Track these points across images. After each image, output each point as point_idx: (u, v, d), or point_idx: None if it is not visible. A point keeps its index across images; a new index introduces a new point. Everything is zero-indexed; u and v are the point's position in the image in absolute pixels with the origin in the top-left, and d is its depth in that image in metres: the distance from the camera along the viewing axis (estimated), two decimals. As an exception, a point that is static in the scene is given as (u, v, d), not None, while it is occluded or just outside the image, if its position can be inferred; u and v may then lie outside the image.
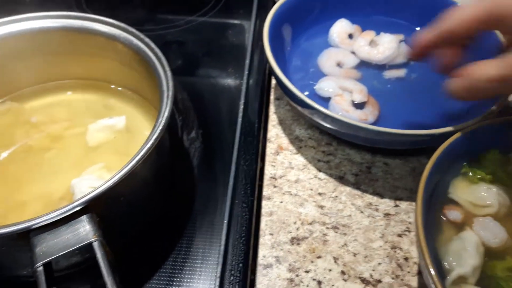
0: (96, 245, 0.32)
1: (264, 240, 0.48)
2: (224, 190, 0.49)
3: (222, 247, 0.44)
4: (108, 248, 0.33)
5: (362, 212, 0.51)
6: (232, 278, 0.42)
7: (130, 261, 0.43)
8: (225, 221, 0.46)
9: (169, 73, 0.43)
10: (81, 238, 0.32)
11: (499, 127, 0.47)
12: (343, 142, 0.57)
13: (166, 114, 0.39)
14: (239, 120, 0.56)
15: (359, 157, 0.56)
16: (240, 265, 0.42)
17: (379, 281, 0.45)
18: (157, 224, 0.47)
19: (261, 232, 0.48)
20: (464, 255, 0.39)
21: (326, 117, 0.50)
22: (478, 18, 0.39)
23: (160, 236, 0.46)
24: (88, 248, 0.33)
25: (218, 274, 0.42)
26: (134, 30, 0.48)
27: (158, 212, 0.47)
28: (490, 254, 0.40)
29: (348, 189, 0.53)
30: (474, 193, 0.43)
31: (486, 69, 0.39)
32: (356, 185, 0.53)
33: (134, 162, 0.36)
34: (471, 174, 0.45)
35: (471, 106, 0.53)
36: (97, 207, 0.34)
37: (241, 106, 0.58)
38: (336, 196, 0.52)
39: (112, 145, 0.50)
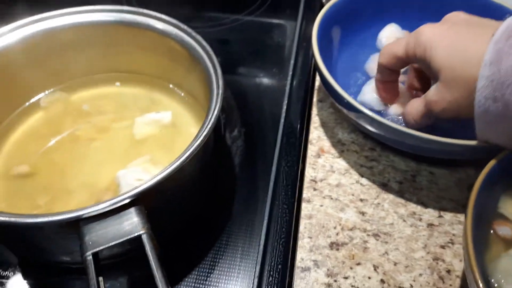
0: (145, 237, 0.32)
1: (303, 243, 0.47)
2: (265, 190, 0.49)
3: (261, 247, 0.44)
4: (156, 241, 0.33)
5: (404, 221, 0.49)
6: (270, 279, 0.41)
7: (170, 256, 0.44)
8: (265, 221, 0.46)
9: (219, 72, 0.43)
10: (129, 230, 0.33)
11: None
12: (387, 148, 0.56)
13: (215, 112, 0.39)
14: (282, 120, 0.56)
15: (404, 164, 0.55)
16: (279, 266, 0.42)
17: (420, 293, 0.44)
18: (199, 221, 0.47)
19: (299, 235, 0.48)
20: (513, 273, 0.37)
21: (372, 121, 0.49)
22: (397, 57, 0.48)
23: (201, 232, 0.46)
24: (134, 240, 0.33)
25: (257, 274, 0.42)
26: (186, 28, 0.48)
27: (200, 209, 0.48)
28: (541, 273, 0.38)
29: (391, 196, 0.52)
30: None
31: (414, 107, 0.49)
32: (400, 193, 0.52)
33: (183, 158, 0.36)
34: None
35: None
36: (145, 200, 0.35)
37: (284, 107, 0.58)
38: (379, 203, 0.51)
39: (157, 139, 0.50)
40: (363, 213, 0.50)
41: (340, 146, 0.57)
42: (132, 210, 0.34)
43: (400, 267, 0.46)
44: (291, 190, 0.49)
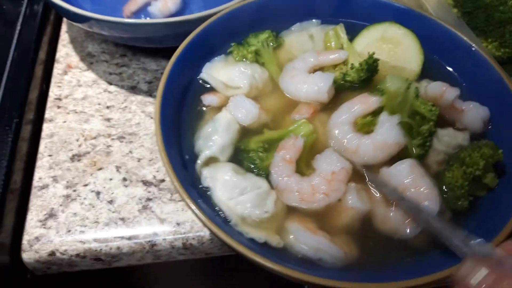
0: None
1: (42, 162, 0.45)
2: (-9, 118, 0.45)
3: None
4: None
5: (151, 118, 0.49)
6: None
7: None
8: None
9: None
10: None
11: (265, 5, 0.46)
12: (138, 51, 0.54)
13: None
14: (14, 42, 0.51)
15: (155, 64, 0.53)
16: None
17: (162, 181, 0.44)
18: None
19: (39, 155, 0.45)
20: (213, 136, 0.38)
21: (104, 22, 0.46)
22: None
23: None
24: None
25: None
26: None
27: None
28: (247, 129, 0.40)
29: (139, 97, 0.50)
30: (228, 73, 0.41)
31: None
32: (149, 93, 0.51)
33: None
34: (234, 54, 0.43)
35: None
36: None
37: (18, 28, 0.53)
38: (126, 107, 0.50)
39: None
40: (108, 120, 0.48)
41: (89, 59, 0.54)
42: None
43: (144, 162, 0.45)
44: (17, 112, 0.45)
